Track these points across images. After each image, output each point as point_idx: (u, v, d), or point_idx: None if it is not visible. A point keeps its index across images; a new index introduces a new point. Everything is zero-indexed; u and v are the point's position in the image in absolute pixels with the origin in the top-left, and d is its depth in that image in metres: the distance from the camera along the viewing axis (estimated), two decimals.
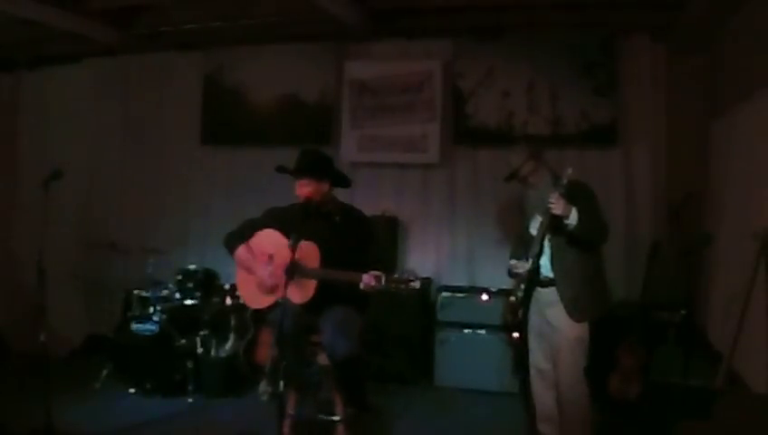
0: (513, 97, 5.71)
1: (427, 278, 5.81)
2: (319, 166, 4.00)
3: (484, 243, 5.82)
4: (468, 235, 5.91)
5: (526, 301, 3.94)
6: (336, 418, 3.80)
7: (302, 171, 3.95)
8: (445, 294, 5.56)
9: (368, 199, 5.59)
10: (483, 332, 5.36)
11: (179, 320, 5.27)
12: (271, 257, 3.83)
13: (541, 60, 5.63)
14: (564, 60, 5.56)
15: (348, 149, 5.98)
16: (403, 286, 3.61)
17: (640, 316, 4.70)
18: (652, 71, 5.46)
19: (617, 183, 5.44)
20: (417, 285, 3.64)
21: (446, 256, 5.98)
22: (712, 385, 3.68)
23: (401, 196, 6.07)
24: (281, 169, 4.05)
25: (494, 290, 5.48)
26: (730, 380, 3.72)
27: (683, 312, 4.79)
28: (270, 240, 3.89)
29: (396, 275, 3.64)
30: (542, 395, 4.01)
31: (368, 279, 3.60)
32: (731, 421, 2.92)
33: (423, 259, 6.02)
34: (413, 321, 5.47)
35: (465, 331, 5.40)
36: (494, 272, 5.59)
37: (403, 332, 5.48)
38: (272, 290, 3.82)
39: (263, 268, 3.85)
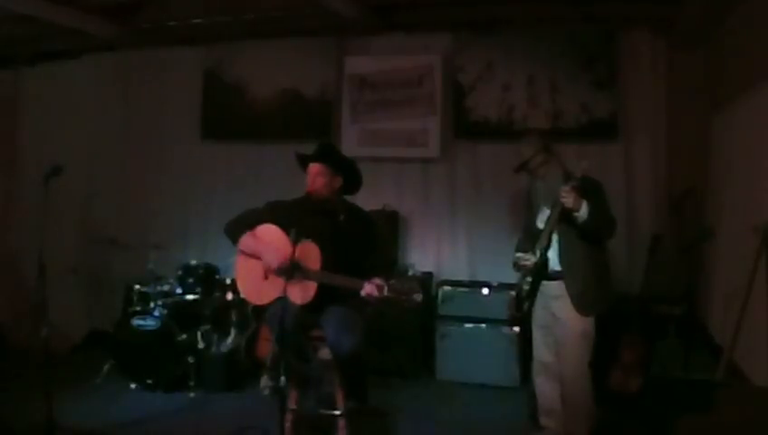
0: (513, 91, 5.71)
1: (428, 273, 5.82)
2: (337, 157, 3.99)
3: (484, 237, 5.83)
4: (469, 229, 5.92)
5: (532, 294, 3.94)
6: (337, 412, 3.80)
7: (319, 156, 3.92)
8: (445, 288, 5.56)
9: (368, 194, 5.56)
10: (484, 326, 5.36)
11: (180, 315, 5.27)
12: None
13: (541, 54, 5.63)
14: (564, 54, 5.56)
15: (348, 144, 5.96)
16: (404, 298, 3.59)
17: (641, 310, 4.71)
18: (652, 65, 5.45)
19: (617, 177, 5.43)
20: (419, 298, 3.60)
21: (447, 250, 5.99)
22: (713, 378, 3.68)
23: (402, 190, 6.07)
24: (301, 155, 4.01)
25: (494, 284, 5.50)
26: (731, 373, 3.72)
27: (683, 305, 4.80)
28: (271, 236, 3.85)
29: (398, 285, 3.61)
30: (545, 388, 4.03)
31: (369, 289, 3.56)
32: (732, 415, 2.93)
33: (423, 253, 6.03)
34: (414, 315, 5.46)
35: (466, 325, 5.40)
36: (494, 266, 5.62)
37: (404, 326, 5.47)
38: (279, 273, 3.69)
39: (269, 252, 3.76)
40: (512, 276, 5.39)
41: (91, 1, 5.72)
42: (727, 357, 3.68)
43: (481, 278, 5.73)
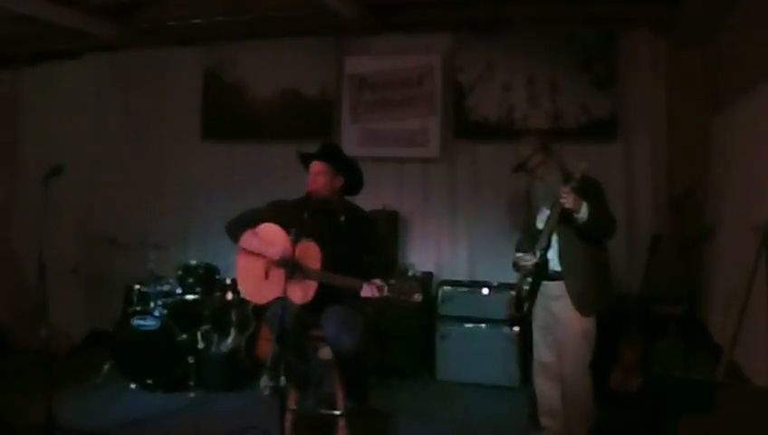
0: (513, 91, 5.71)
1: (428, 273, 5.82)
2: (340, 157, 4.00)
3: (484, 237, 5.83)
4: (469, 229, 5.92)
5: (532, 294, 3.94)
6: (337, 412, 3.80)
7: (322, 155, 3.92)
8: (445, 288, 5.56)
9: (368, 194, 5.55)
10: (483, 326, 5.36)
11: (180, 315, 5.27)
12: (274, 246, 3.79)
13: (540, 54, 5.63)
14: (564, 53, 5.56)
15: (348, 144, 5.96)
16: (404, 298, 3.59)
17: (641, 310, 4.71)
18: (652, 64, 5.45)
19: (617, 177, 5.43)
20: (418, 298, 3.60)
21: (447, 250, 5.99)
22: (713, 378, 3.68)
23: (402, 190, 6.07)
24: (303, 154, 4.01)
25: (494, 284, 5.50)
26: (731, 373, 3.72)
27: (683, 305, 4.80)
28: (272, 235, 3.86)
29: (398, 285, 3.62)
30: (545, 388, 4.02)
31: (369, 290, 3.57)
32: (731, 414, 2.92)
33: (423, 253, 6.02)
34: (414, 315, 5.45)
35: (466, 325, 5.40)
36: (494, 266, 5.62)
37: (404, 326, 5.47)
38: (280, 265, 3.71)
39: (271, 247, 3.77)
40: (512, 276, 5.39)
41: (91, 1, 5.72)
42: (727, 357, 3.68)
43: (481, 278, 5.73)
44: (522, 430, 4.38)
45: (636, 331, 4.58)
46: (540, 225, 3.91)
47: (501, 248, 5.64)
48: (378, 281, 3.59)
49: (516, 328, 5.26)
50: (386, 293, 3.56)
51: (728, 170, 4.70)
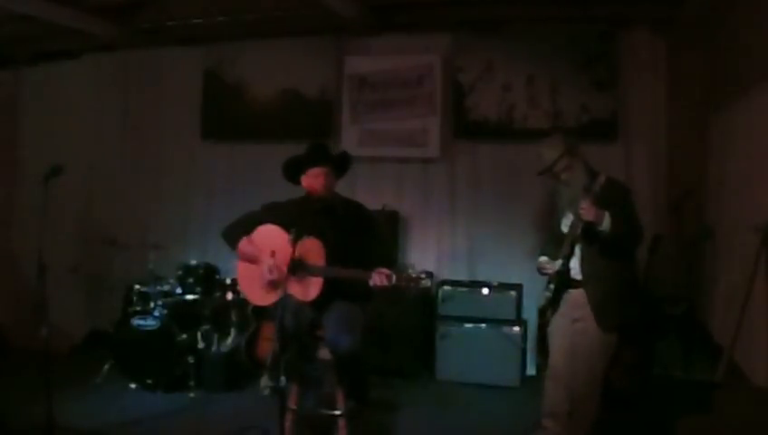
0: (513, 91, 5.70)
1: (428, 272, 5.82)
2: (334, 157, 4.00)
3: (484, 237, 5.83)
4: (469, 229, 5.92)
5: (555, 302, 3.89)
6: (338, 412, 3.80)
7: (325, 158, 3.91)
8: (446, 288, 5.56)
9: (368, 194, 5.59)
10: (484, 326, 5.36)
11: (180, 315, 5.27)
12: (273, 254, 3.77)
13: (540, 54, 5.62)
14: (564, 54, 5.56)
15: (348, 144, 5.95)
16: (413, 284, 3.59)
17: (641, 310, 4.70)
18: (652, 65, 5.45)
19: (617, 177, 5.41)
20: (427, 283, 3.61)
21: (447, 250, 5.98)
22: (713, 378, 3.68)
23: (402, 190, 6.07)
24: (300, 161, 3.99)
25: (494, 284, 5.51)
26: (731, 373, 3.72)
27: (684, 305, 4.79)
28: (271, 236, 3.85)
29: (405, 273, 3.62)
30: (553, 393, 3.94)
31: (378, 278, 3.56)
32: (732, 414, 2.93)
33: (423, 253, 6.02)
34: (414, 315, 5.47)
35: (466, 325, 5.40)
36: (494, 266, 5.64)
37: (404, 326, 5.47)
38: (273, 286, 3.76)
39: (266, 261, 3.79)
40: (512, 277, 5.44)
41: (91, 1, 5.72)
42: (727, 357, 3.68)
43: (481, 278, 5.73)
44: (522, 430, 4.37)
45: (636, 330, 4.57)
46: (565, 229, 3.84)
47: (501, 248, 5.67)
48: (385, 270, 3.58)
49: (516, 328, 5.27)
50: (394, 281, 3.56)
51: (728, 171, 4.70)
